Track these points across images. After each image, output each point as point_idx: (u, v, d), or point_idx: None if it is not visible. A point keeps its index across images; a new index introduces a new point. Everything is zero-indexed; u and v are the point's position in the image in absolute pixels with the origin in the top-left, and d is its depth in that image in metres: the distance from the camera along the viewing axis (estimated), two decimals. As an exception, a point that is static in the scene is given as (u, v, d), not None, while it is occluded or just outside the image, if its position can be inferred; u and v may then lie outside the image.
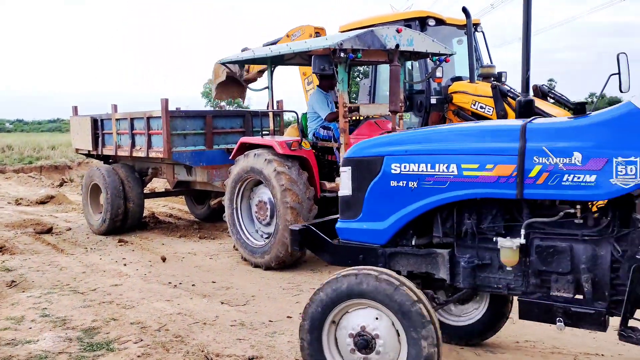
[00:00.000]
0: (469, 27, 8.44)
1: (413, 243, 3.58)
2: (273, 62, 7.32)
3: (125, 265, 7.08)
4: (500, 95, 7.79)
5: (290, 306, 5.41)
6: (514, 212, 3.27)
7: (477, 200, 3.31)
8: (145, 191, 9.59)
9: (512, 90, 7.93)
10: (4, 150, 28.79)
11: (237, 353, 4.24)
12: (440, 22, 8.80)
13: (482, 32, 9.32)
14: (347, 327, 3.24)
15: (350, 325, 3.22)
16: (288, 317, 5.08)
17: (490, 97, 7.96)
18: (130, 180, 9.03)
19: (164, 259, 7.25)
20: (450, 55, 6.97)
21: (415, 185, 3.41)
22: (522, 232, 3.13)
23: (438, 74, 7.77)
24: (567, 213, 3.08)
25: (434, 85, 8.59)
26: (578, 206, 3.03)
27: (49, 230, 9.16)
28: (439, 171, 3.32)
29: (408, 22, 8.45)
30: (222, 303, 5.54)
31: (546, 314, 3.06)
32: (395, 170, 3.48)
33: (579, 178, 2.90)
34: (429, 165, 3.35)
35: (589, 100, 44.98)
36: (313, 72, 6.26)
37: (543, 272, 3.15)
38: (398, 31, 6.30)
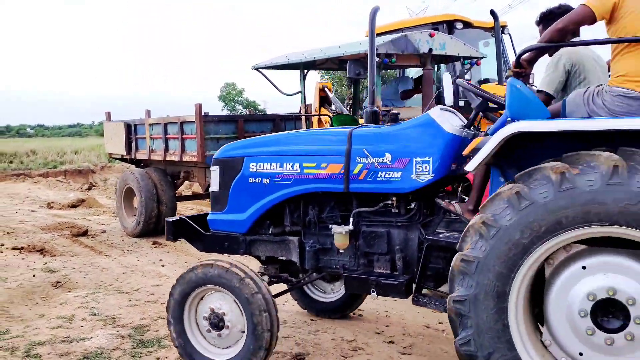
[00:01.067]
0: (497, 30, 8.48)
1: (270, 232, 4.13)
2: (305, 67, 7.48)
3: (162, 266, 7.26)
4: (529, 97, 7.83)
5: (329, 305, 5.53)
6: (346, 203, 3.88)
7: (318, 194, 3.91)
8: (176, 194, 9.79)
9: (541, 92, 7.97)
10: (28, 155, 29.37)
11: (284, 350, 4.37)
12: (467, 24, 8.88)
13: (509, 34, 9.39)
14: (201, 311, 3.82)
15: (204, 309, 3.81)
16: (329, 316, 5.20)
17: (519, 99, 8.00)
18: (163, 183, 9.23)
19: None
20: (482, 58, 7.07)
21: (267, 181, 4.01)
22: (351, 220, 3.75)
23: (466, 76, 7.86)
24: (385, 204, 3.70)
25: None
26: (394, 198, 3.66)
27: (85, 233, 9.39)
28: (285, 169, 3.92)
29: (436, 26, 8.55)
30: (263, 302, 5.67)
31: (363, 286, 3.73)
32: (252, 169, 4.06)
33: (389, 174, 3.51)
34: (278, 165, 3.95)
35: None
36: (348, 77, 6.39)
37: (368, 253, 3.78)
38: (431, 35, 6.42)
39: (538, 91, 3.68)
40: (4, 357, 4.28)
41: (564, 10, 3.96)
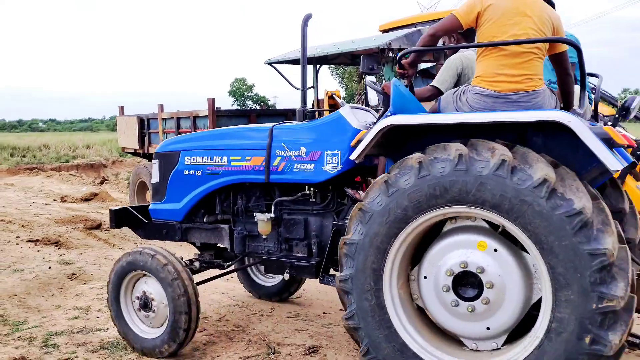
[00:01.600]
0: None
1: (204, 220, 4.49)
2: (318, 62, 7.49)
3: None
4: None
5: (342, 299, 5.56)
6: (269, 193, 4.23)
7: (244, 185, 4.28)
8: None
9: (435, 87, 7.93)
10: (41, 149, 29.62)
11: (298, 342, 4.41)
12: (480, 20, 8.83)
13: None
14: (134, 293, 4.21)
15: (136, 292, 4.19)
16: (340, 309, 5.23)
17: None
18: (176, 177, 9.27)
19: None
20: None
21: (200, 173, 4.38)
22: (273, 208, 4.10)
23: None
24: (303, 193, 4.02)
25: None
26: (311, 188, 3.98)
27: (99, 226, 9.48)
28: (215, 162, 4.30)
29: (449, 21, 8.51)
30: (276, 296, 5.72)
31: (280, 267, 4.09)
32: (187, 162, 4.45)
33: (303, 166, 3.86)
34: (208, 158, 4.33)
35: (623, 96, 44.14)
36: (361, 72, 6.39)
37: (288, 238, 4.13)
38: (445, 30, 6.39)
39: (432, 86, 3.84)
40: (23, 347, 4.35)
41: None
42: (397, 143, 3.30)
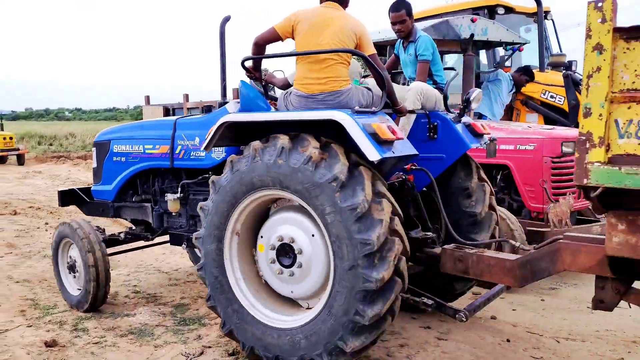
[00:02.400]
0: (540, 15, 8.33)
1: (132, 199, 5.21)
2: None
3: (200, 247, 7.39)
4: (572, 84, 7.69)
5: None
6: (178, 176, 4.86)
7: (159, 169, 4.97)
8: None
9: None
10: (67, 138, 30.12)
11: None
12: (509, 10, 8.69)
13: (551, 20, 9.17)
14: (66, 256, 5.06)
15: (68, 255, 5.04)
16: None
17: (561, 86, 7.86)
18: (201, 166, 9.38)
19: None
20: (524, 44, 6.94)
21: (124, 159, 5.15)
22: (179, 189, 4.70)
23: (507, 63, 7.74)
24: (203, 177, 4.50)
25: (503, 74, 8.53)
26: (210, 171, 4.45)
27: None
28: (134, 150, 5.06)
29: (477, 11, 8.40)
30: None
31: (179, 240, 4.75)
32: (115, 149, 5.22)
33: (197, 154, 4.48)
34: (130, 146, 5.10)
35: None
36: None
37: (193, 215, 4.71)
38: (473, 20, 6.32)
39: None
40: (54, 330, 4.45)
41: None
42: (250, 134, 3.82)
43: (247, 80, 4.14)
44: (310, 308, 3.66)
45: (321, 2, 3.88)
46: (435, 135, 4.26)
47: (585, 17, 2.54)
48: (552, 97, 7.99)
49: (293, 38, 3.80)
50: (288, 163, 3.35)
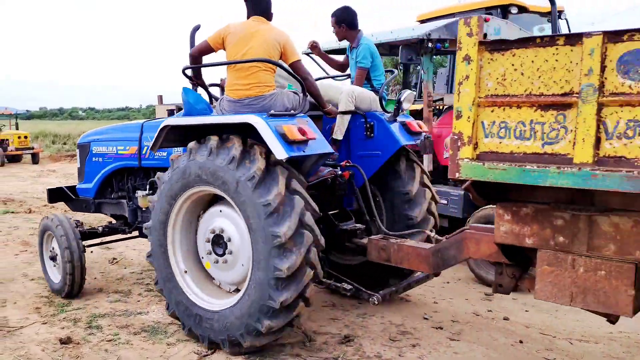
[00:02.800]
0: (554, 15, 8.26)
1: (111, 196, 5.68)
2: (356, 52, 7.45)
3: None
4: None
5: (377, 290, 5.57)
6: (147, 175, 5.30)
7: (132, 168, 5.43)
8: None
9: None
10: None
11: (333, 331, 4.44)
12: (522, 9, 8.65)
13: (565, 19, 9.11)
14: (49, 247, 5.45)
15: (50, 246, 5.43)
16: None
17: (574, 86, 7.80)
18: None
19: None
20: (538, 44, 6.88)
21: (101, 160, 5.65)
22: (147, 186, 5.11)
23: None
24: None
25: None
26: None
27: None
28: (109, 151, 5.58)
29: (489, 10, 8.37)
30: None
31: (142, 231, 5.00)
32: (94, 151, 5.74)
33: (160, 154, 5.00)
34: (105, 148, 5.62)
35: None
36: (400, 62, 6.35)
37: None
38: (485, 20, 6.29)
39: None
40: (68, 327, 4.50)
41: None
42: (195, 135, 4.11)
43: (198, 88, 4.54)
44: (238, 291, 4.13)
45: (248, 17, 4.29)
46: (372, 134, 4.73)
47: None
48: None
49: (224, 49, 4.17)
50: (215, 162, 3.81)
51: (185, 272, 4.31)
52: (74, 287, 5.16)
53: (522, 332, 4.48)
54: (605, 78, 2.48)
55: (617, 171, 2.43)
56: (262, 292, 3.66)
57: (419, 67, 8.21)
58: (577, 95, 2.54)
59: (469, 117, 2.85)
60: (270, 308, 3.66)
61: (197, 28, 4.62)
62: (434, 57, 7.35)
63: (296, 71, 4.20)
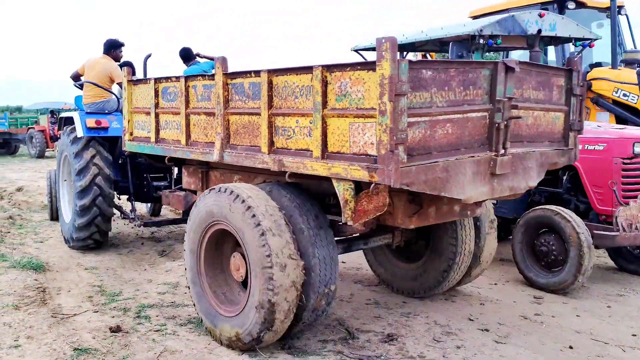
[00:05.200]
0: (613, 10, 7.94)
1: None
2: (405, 49, 7.37)
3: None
4: (646, 82, 7.31)
5: (422, 289, 5.50)
6: None
7: None
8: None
9: None
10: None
11: (376, 330, 4.42)
12: (580, 4, 8.35)
13: (625, 15, 8.75)
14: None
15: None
16: (420, 299, 5.18)
17: (635, 84, 7.48)
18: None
19: None
20: (596, 40, 6.63)
21: None
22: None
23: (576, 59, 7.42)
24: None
25: (571, 71, 8.20)
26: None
27: (187, 207, 9.87)
28: None
29: (546, 5, 8.12)
30: (355, 282, 5.75)
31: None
32: None
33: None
34: None
35: None
36: (451, 59, 6.23)
37: None
38: (540, 15, 6.10)
39: None
40: (118, 316, 4.64)
41: None
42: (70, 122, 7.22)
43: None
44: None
45: (101, 55, 7.28)
46: None
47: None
48: (624, 95, 7.63)
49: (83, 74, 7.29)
50: (65, 141, 6.93)
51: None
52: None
53: (573, 338, 4.34)
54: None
55: (195, 150, 4.71)
56: (73, 216, 6.65)
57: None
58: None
59: (128, 119, 5.65)
60: (74, 226, 6.58)
61: (148, 56, 7.34)
62: (486, 54, 7.19)
63: (108, 90, 7.16)
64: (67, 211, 7.20)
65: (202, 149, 4.60)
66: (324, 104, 3.54)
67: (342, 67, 3.44)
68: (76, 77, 7.33)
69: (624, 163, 5.26)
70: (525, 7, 8.10)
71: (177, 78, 4.82)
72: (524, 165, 4.06)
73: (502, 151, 3.80)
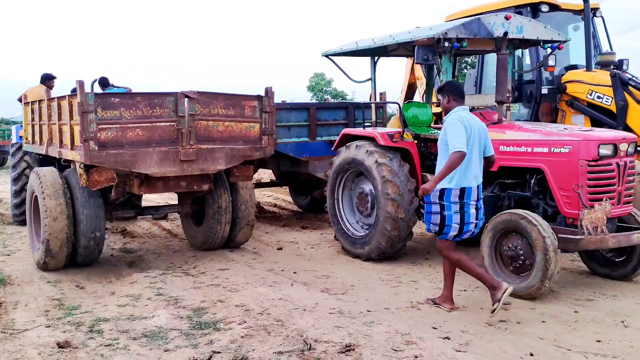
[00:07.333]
0: (587, 12, 7.90)
1: None
2: (376, 53, 7.31)
3: (231, 251, 7.36)
4: (620, 83, 7.26)
5: (388, 297, 5.41)
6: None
7: None
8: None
9: (634, 78, 7.37)
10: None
11: (335, 340, 4.31)
12: (554, 7, 8.34)
13: (601, 17, 8.72)
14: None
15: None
16: (386, 308, 5.09)
17: (609, 86, 7.45)
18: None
19: (280, 249, 7.53)
20: (564, 42, 6.58)
21: None
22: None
23: (550, 62, 7.38)
24: None
25: (546, 74, 8.16)
26: None
27: (165, 217, 9.76)
28: None
29: (519, 9, 8.10)
30: (322, 291, 5.64)
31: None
32: None
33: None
34: None
35: None
36: (416, 63, 6.18)
37: None
38: (507, 18, 6.05)
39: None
40: (70, 331, 4.53)
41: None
42: None
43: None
44: None
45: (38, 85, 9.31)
46: None
47: None
48: (599, 97, 7.58)
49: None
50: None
51: None
52: None
53: (535, 344, 4.24)
54: None
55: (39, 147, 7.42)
56: (11, 198, 8.74)
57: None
58: None
59: (25, 129, 8.18)
60: (13, 205, 8.88)
61: (95, 80, 8.50)
62: (464, 58, 7.11)
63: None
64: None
65: (41, 146, 7.17)
66: (62, 118, 6.35)
67: (64, 97, 6.33)
68: (21, 100, 9.35)
69: (590, 165, 5.17)
70: (499, 10, 8.06)
71: (40, 102, 7.25)
72: (212, 156, 6.22)
73: (188, 146, 6.00)
